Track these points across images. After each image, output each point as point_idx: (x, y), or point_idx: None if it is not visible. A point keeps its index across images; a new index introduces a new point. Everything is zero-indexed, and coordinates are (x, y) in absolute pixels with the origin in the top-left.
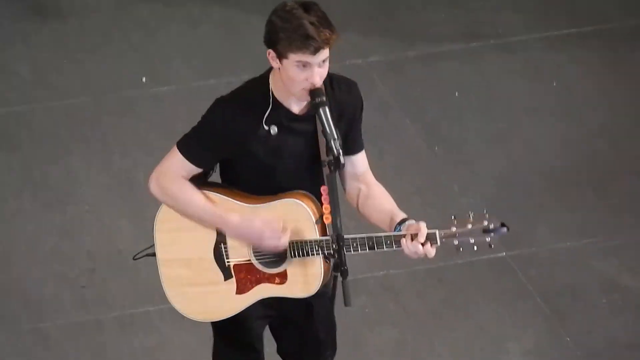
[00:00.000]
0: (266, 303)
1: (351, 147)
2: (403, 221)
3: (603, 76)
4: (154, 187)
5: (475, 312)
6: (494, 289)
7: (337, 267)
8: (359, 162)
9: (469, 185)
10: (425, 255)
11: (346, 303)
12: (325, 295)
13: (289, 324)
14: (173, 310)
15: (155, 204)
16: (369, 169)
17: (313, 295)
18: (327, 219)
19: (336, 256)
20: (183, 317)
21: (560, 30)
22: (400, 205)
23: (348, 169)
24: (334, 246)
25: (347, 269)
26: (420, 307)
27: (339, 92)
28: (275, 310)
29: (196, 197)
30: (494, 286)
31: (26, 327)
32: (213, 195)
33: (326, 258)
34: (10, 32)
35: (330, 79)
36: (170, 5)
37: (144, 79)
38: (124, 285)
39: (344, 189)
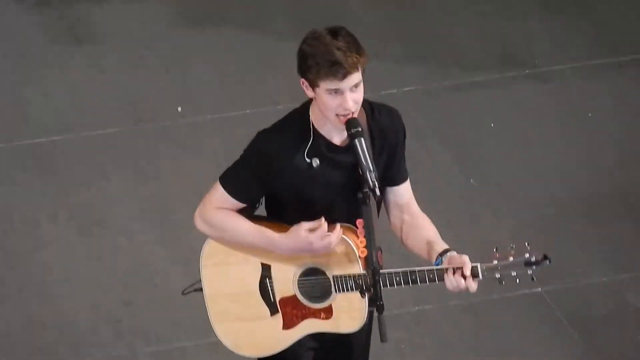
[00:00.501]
0: (311, 335)
1: (395, 176)
2: (445, 252)
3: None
4: (199, 222)
5: (512, 348)
6: (530, 324)
7: (373, 302)
8: (403, 192)
9: (504, 216)
10: (467, 289)
11: (382, 339)
12: (362, 329)
13: (329, 356)
14: (209, 346)
15: (190, 230)
16: (414, 199)
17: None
18: (363, 253)
19: (372, 291)
20: (218, 352)
21: (595, 59)
22: None
23: (391, 199)
24: (369, 281)
25: (383, 304)
26: (456, 343)
27: (380, 118)
28: (317, 342)
29: (242, 223)
30: (529, 321)
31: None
32: None
33: (362, 293)
34: (46, 57)
35: (371, 106)
36: (204, 31)
37: (179, 109)
38: (160, 319)
39: (389, 220)
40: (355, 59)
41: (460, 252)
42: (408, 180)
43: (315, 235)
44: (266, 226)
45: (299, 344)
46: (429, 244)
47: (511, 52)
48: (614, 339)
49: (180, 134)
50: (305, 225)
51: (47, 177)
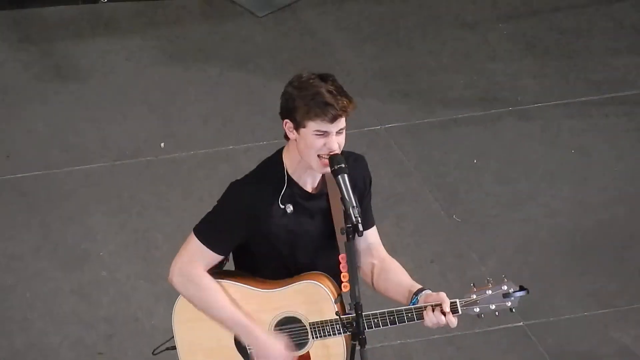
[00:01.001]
0: None
1: (364, 222)
2: (419, 291)
3: (622, 142)
4: (176, 280)
5: None
6: (512, 358)
7: (355, 335)
8: (371, 237)
9: (487, 251)
10: (448, 325)
11: None
12: None
13: None
14: None
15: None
16: (381, 244)
17: None
18: (346, 287)
19: (354, 324)
20: None
21: (578, 97)
22: (419, 271)
23: (361, 243)
24: (352, 315)
25: (365, 338)
26: None
27: (353, 169)
28: None
29: (220, 299)
30: (511, 355)
31: None
32: (228, 283)
33: (344, 328)
34: (29, 93)
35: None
36: (189, 69)
37: (162, 145)
38: (142, 352)
39: (358, 266)
40: (345, 102)
41: (443, 285)
42: (375, 226)
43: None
44: (237, 281)
45: None
46: (402, 286)
47: (494, 90)
48: None
49: (163, 169)
50: (289, 343)
51: (30, 212)
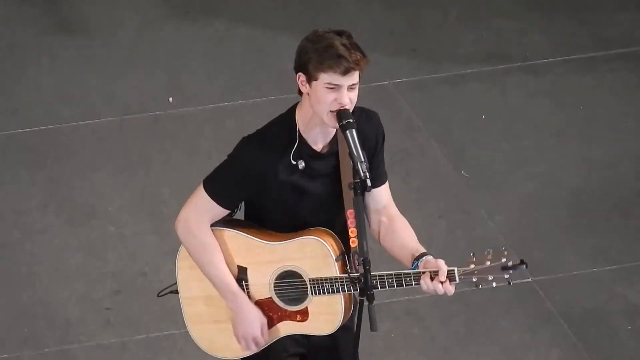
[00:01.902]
0: (295, 340)
1: (373, 179)
2: (421, 256)
3: (629, 99)
4: (181, 230)
5: (500, 337)
6: (519, 314)
7: (363, 291)
8: (382, 195)
9: (495, 208)
10: (445, 293)
11: (372, 328)
12: (350, 329)
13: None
14: None
15: None
16: (392, 201)
17: (339, 330)
18: (354, 243)
19: (362, 280)
20: None
21: (586, 52)
22: (426, 227)
23: (370, 201)
24: (360, 270)
25: (373, 294)
26: (445, 332)
27: (358, 122)
28: (303, 347)
29: (217, 260)
30: (519, 311)
31: (52, 349)
32: (233, 233)
33: (353, 285)
34: (36, 47)
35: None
36: (196, 23)
37: (170, 99)
38: (149, 307)
39: (368, 223)
40: (359, 57)
41: (450, 242)
42: (387, 183)
43: (259, 337)
44: (243, 231)
45: (283, 349)
46: (406, 249)
47: (502, 46)
48: (604, 330)
49: (171, 124)
50: (265, 326)
51: (37, 168)
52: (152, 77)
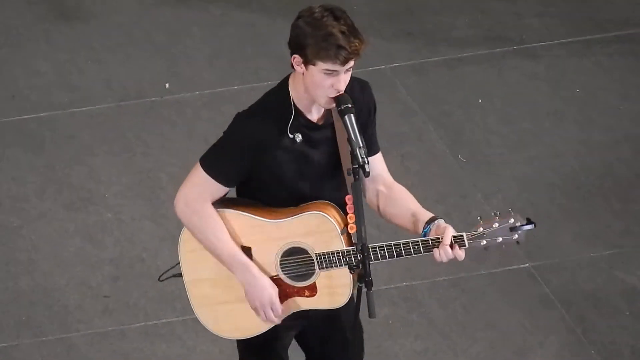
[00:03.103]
0: (293, 313)
1: (369, 147)
2: (432, 220)
3: (627, 82)
4: (181, 206)
5: (499, 322)
6: (517, 299)
7: (362, 278)
8: (376, 164)
9: (492, 191)
10: (456, 258)
11: (370, 314)
12: (350, 303)
13: (316, 332)
14: (196, 321)
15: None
16: (387, 171)
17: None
18: (352, 229)
19: (360, 267)
20: (205, 328)
21: (584, 35)
22: None
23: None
24: (358, 256)
25: (371, 280)
26: (444, 317)
27: (351, 92)
28: (302, 320)
29: (221, 234)
30: (517, 296)
31: (51, 337)
32: (234, 213)
33: (350, 269)
34: (33, 32)
35: None
36: (192, 8)
37: (167, 85)
38: (147, 294)
39: (363, 194)
40: (357, 45)
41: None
42: (380, 153)
43: (277, 305)
44: (243, 210)
45: (282, 323)
46: (413, 215)
47: (499, 29)
48: (602, 314)
49: (168, 110)
50: (275, 299)
51: (35, 153)
52: (149, 63)
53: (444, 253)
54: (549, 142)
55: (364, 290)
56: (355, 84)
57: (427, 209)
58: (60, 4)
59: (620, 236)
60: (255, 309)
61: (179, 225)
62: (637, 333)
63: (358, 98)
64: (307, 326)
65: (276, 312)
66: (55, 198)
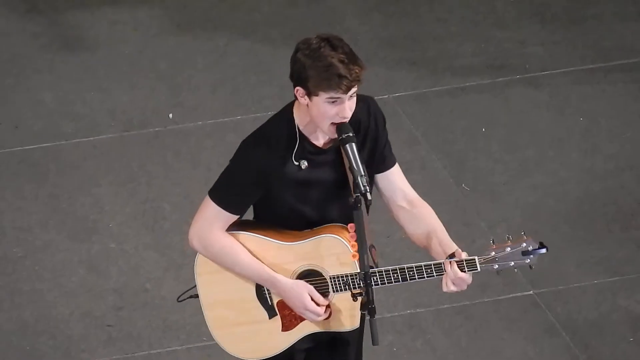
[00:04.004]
0: (306, 336)
1: (381, 162)
2: (452, 256)
3: (630, 110)
4: (197, 246)
5: (503, 349)
6: (521, 327)
7: (365, 305)
8: (394, 178)
9: (496, 220)
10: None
11: (374, 342)
12: (355, 331)
13: (325, 354)
14: (200, 349)
15: (181, 236)
16: (408, 184)
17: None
18: (355, 257)
19: (364, 294)
20: (210, 355)
21: (586, 64)
22: None
23: (383, 186)
24: (361, 284)
25: (374, 307)
26: (448, 345)
27: (360, 112)
28: (311, 343)
29: (242, 257)
30: (521, 323)
31: None
32: (249, 236)
33: (354, 297)
34: (37, 63)
35: None
36: (196, 37)
37: (170, 115)
38: (151, 323)
39: (389, 209)
40: (357, 71)
41: None
42: (397, 165)
43: (314, 307)
44: (257, 233)
45: (292, 346)
46: (435, 240)
47: (502, 58)
48: (606, 341)
49: (172, 140)
50: (314, 292)
51: (39, 184)
52: (153, 92)
53: (453, 274)
54: (553, 170)
55: (367, 317)
56: (358, 102)
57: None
58: (64, 34)
59: (623, 264)
60: (303, 315)
61: (182, 255)
62: None
63: (364, 116)
64: (315, 348)
65: (318, 313)
66: (59, 228)
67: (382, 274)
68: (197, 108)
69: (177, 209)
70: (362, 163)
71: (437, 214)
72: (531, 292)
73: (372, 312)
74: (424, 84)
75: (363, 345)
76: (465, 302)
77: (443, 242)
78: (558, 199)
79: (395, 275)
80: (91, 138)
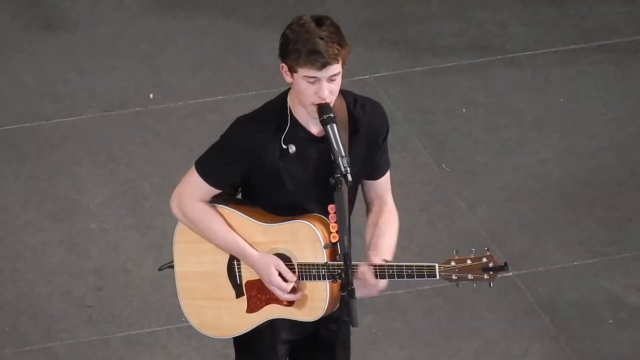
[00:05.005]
0: (291, 328)
1: (374, 171)
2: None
3: (611, 90)
4: (176, 211)
5: (482, 330)
6: (501, 307)
7: (345, 287)
8: (380, 187)
9: (476, 200)
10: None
11: (353, 323)
12: (346, 320)
13: (309, 349)
14: (180, 330)
15: (162, 216)
16: (389, 192)
17: (337, 320)
18: (335, 238)
19: (343, 276)
20: (190, 336)
21: (567, 44)
22: (408, 221)
23: (368, 191)
24: (341, 265)
25: (354, 289)
26: (427, 326)
27: (361, 111)
28: (297, 335)
29: (218, 226)
30: (500, 304)
31: (35, 346)
32: (227, 210)
33: (334, 278)
34: (18, 42)
35: (354, 99)
36: (177, 17)
37: (151, 96)
38: (131, 304)
39: (367, 209)
40: (336, 50)
41: (432, 235)
42: (388, 173)
43: (278, 281)
44: (237, 209)
45: (275, 336)
46: (372, 252)
47: (483, 38)
48: (586, 323)
49: (152, 120)
50: (281, 266)
51: (19, 164)
52: (134, 73)
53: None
54: (534, 150)
55: (347, 299)
56: (366, 105)
57: (411, 219)
58: (44, 14)
59: (604, 244)
60: (269, 288)
61: (163, 235)
62: (621, 342)
63: (368, 119)
64: (301, 341)
65: (289, 278)
66: (39, 208)
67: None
68: (178, 88)
69: (157, 189)
70: (344, 145)
71: (417, 194)
72: (511, 273)
73: (351, 294)
74: (405, 65)
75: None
76: (445, 283)
77: (379, 253)
78: (539, 179)
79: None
80: (72, 118)
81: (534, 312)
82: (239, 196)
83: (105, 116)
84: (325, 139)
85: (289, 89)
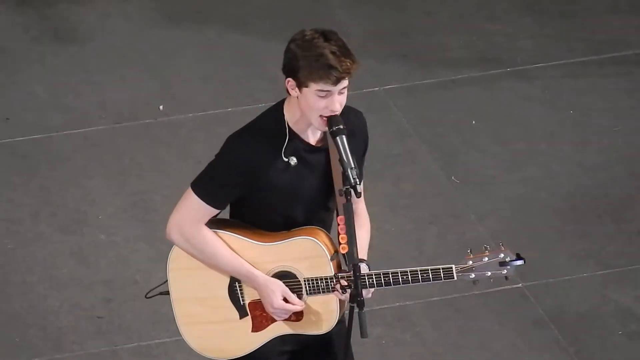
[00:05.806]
0: (284, 339)
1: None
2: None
3: (621, 103)
4: (177, 238)
5: (492, 341)
6: (510, 319)
7: (354, 298)
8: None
9: (486, 212)
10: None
11: (362, 334)
12: (342, 327)
13: (308, 358)
14: None
15: None
16: (363, 200)
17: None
18: (344, 249)
19: (352, 287)
20: None
21: (578, 57)
22: (417, 232)
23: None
24: (350, 277)
25: (363, 300)
26: (437, 338)
27: (349, 119)
28: (293, 345)
29: (222, 250)
30: (510, 316)
31: (44, 357)
32: (227, 235)
33: (343, 289)
34: (29, 55)
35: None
36: (187, 29)
37: (160, 107)
38: (140, 315)
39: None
40: (348, 65)
41: (441, 247)
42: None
43: (279, 305)
44: (235, 232)
45: (270, 349)
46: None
47: (493, 51)
48: (595, 334)
49: (162, 132)
50: (287, 292)
51: (29, 176)
52: (144, 85)
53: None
54: (543, 163)
55: (356, 310)
56: (352, 113)
57: (421, 230)
58: (55, 27)
59: (613, 257)
60: (268, 312)
61: (171, 247)
62: (630, 353)
63: (355, 127)
64: (298, 351)
65: (296, 303)
66: (49, 220)
67: (373, 278)
68: (188, 100)
69: (167, 201)
70: (352, 156)
71: (426, 206)
72: (520, 284)
73: (360, 305)
74: (414, 77)
75: (351, 338)
76: (455, 295)
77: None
78: (549, 192)
79: (371, 280)
80: (82, 130)
81: (543, 323)
82: (221, 216)
83: (115, 128)
84: (323, 149)
85: (282, 102)
